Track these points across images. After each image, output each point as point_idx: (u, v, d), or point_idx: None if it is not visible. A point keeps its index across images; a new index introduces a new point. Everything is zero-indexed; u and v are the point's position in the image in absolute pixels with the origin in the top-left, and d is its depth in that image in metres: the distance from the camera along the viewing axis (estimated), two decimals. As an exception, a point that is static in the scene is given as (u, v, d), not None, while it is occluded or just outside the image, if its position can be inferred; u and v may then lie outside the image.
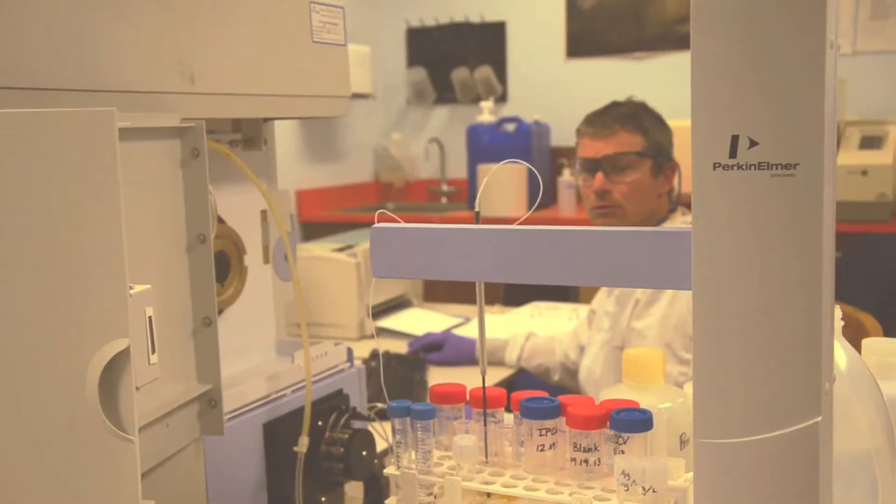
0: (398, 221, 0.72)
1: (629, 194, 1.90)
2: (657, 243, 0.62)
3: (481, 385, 0.81)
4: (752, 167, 0.55)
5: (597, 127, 1.93)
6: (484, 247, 0.68)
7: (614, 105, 1.97)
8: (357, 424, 1.08)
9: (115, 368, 0.60)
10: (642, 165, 1.90)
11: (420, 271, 0.72)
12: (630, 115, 1.93)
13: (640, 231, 0.63)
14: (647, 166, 1.91)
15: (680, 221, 1.95)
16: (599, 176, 1.90)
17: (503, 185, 3.80)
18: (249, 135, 1.09)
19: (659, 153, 1.92)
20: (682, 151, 1.96)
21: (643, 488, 0.69)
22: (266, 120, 1.11)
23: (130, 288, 0.61)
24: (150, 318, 0.66)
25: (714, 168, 0.56)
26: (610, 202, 1.92)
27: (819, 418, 0.56)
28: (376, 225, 0.73)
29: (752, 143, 0.55)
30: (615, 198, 1.91)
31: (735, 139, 0.56)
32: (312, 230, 3.94)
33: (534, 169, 0.78)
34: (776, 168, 0.55)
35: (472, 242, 0.68)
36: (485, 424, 0.80)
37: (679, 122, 1.78)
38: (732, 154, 0.56)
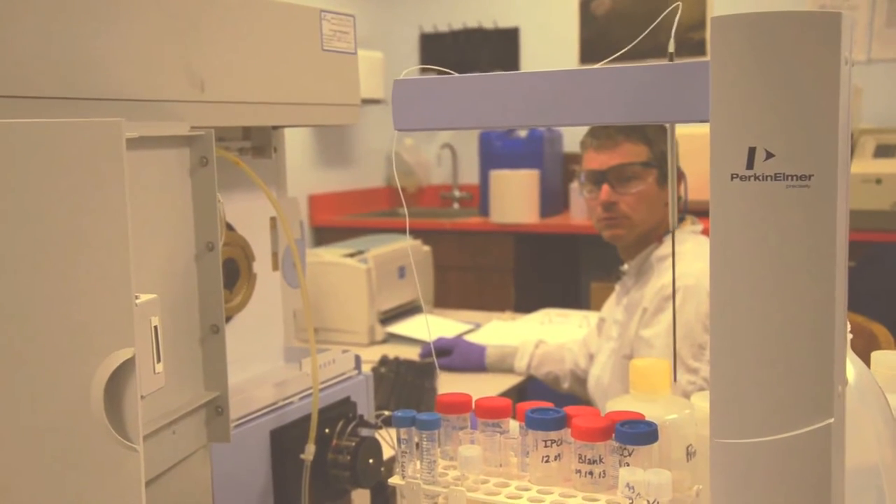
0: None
1: (635, 205, 1.90)
2: (675, 77, 0.63)
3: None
4: (769, 178, 0.57)
5: (601, 139, 1.92)
6: (508, 92, 0.68)
7: None
8: (364, 432, 1.08)
9: (120, 377, 0.60)
10: (648, 176, 1.90)
11: (444, 121, 0.71)
12: (634, 126, 1.91)
13: (657, 66, 0.63)
14: (652, 176, 1.90)
15: (689, 230, 1.94)
16: (605, 187, 1.90)
17: (516, 191, 3.80)
18: (259, 143, 1.10)
19: (664, 163, 1.91)
20: (694, 158, 1.95)
21: (648, 501, 0.69)
22: (276, 128, 1.11)
23: (136, 297, 0.62)
24: (155, 327, 0.66)
25: (732, 179, 0.58)
26: (616, 213, 1.91)
27: (832, 420, 0.58)
28: (399, 79, 0.72)
29: (769, 155, 0.57)
30: (622, 209, 1.90)
31: (752, 151, 0.57)
32: (325, 235, 3.95)
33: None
34: (792, 179, 0.57)
35: (496, 89, 0.68)
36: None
37: (690, 130, 1.77)
38: (749, 165, 0.58)
